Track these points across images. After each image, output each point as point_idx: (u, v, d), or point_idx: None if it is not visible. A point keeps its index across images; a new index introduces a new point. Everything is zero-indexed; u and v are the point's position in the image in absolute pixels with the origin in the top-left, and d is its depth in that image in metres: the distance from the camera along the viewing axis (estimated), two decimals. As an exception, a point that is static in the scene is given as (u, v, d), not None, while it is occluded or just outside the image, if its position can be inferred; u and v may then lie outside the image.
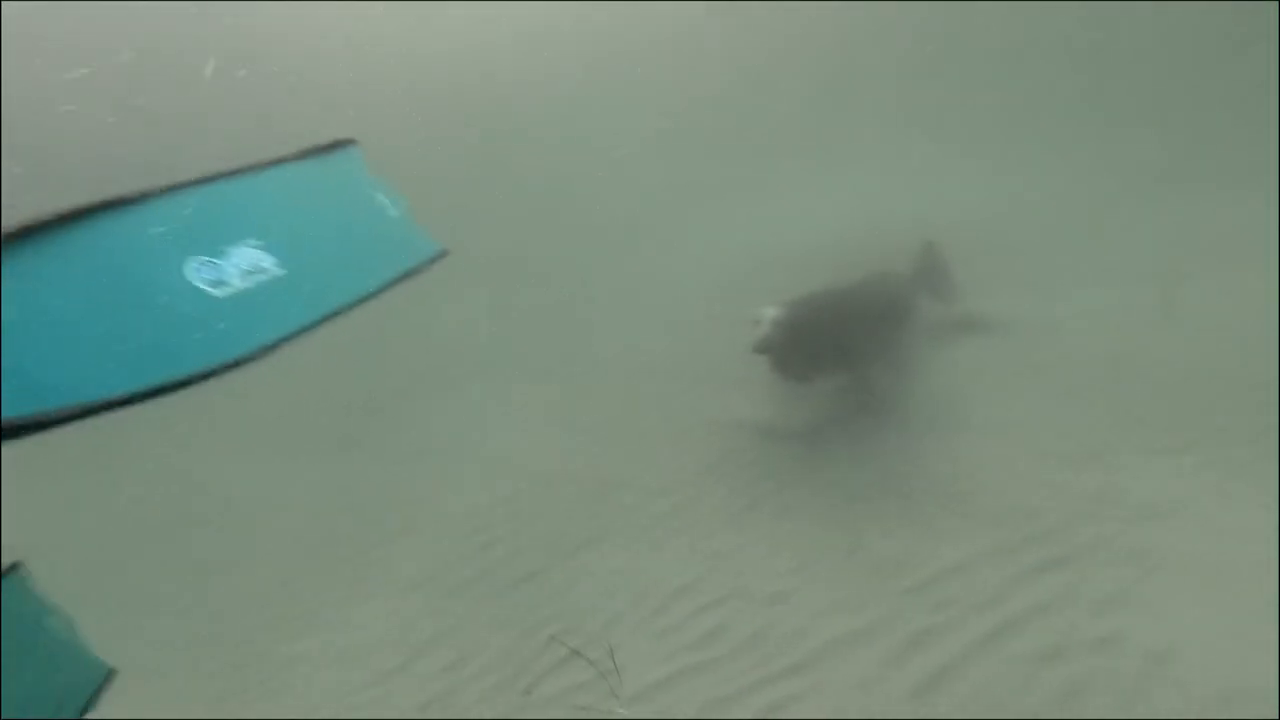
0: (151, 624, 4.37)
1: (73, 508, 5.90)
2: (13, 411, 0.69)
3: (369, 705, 3.17)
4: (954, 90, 10.61)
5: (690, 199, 9.86)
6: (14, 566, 1.13)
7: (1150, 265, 5.09)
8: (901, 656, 2.93)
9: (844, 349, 4.22)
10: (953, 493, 3.55)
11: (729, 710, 2.93)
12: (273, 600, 4.21)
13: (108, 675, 1.18)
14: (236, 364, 0.81)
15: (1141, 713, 2.37)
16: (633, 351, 6.08)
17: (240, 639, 3.93)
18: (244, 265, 0.89)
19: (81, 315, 0.76)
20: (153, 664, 3.96)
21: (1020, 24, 11.12)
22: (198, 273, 0.85)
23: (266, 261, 0.90)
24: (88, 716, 1.11)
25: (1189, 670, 2.42)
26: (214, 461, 6.02)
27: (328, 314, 0.92)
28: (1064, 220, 6.48)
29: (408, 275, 1.05)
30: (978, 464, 3.67)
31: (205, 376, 0.79)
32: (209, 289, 0.85)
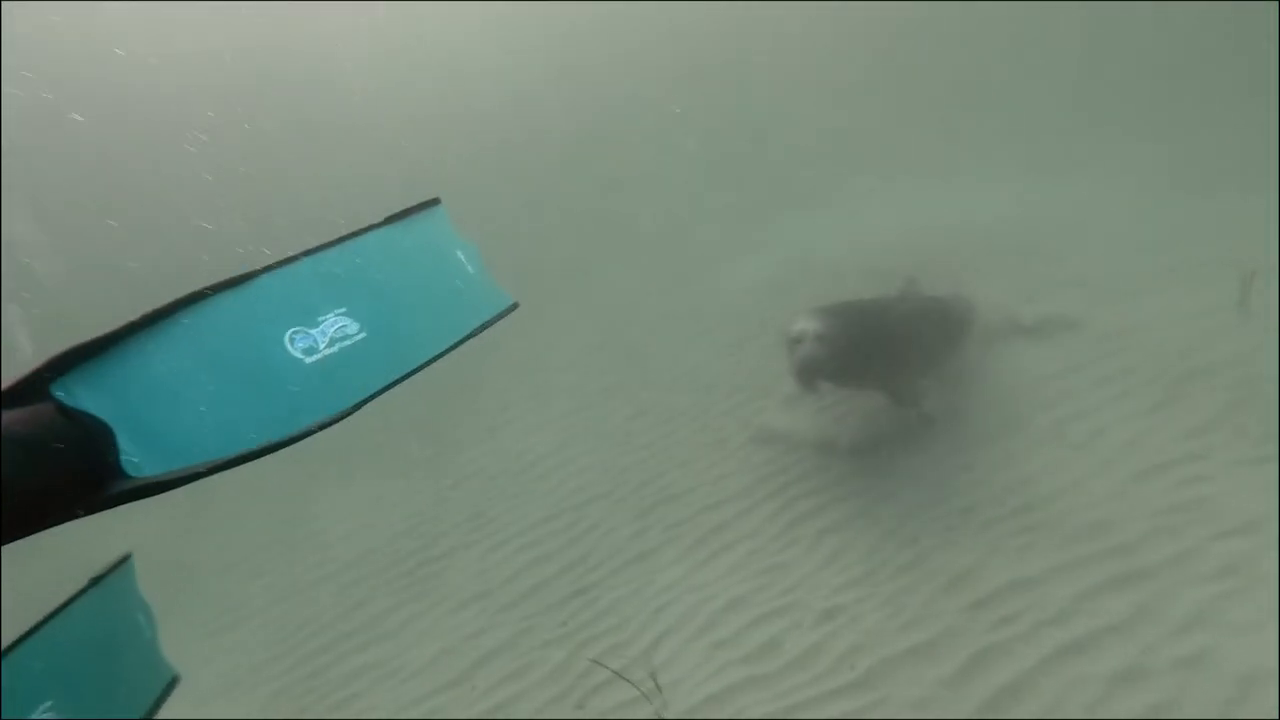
0: (228, 638, 4.68)
1: (148, 530, 6.38)
2: (145, 472, 0.78)
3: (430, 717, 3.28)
4: (992, 97, 10.33)
5: (733, 216, 9.90)
6: (125, 558, 1.26)
7: (1218, 264, 4.76)
8: (964, 675, 2.82)
9: (888, 362, 3.95)
10: (1017, 505, 3.40)
11: (783, 728, 2.88)
12: (339, 616, 4.43)
13: (173, 681, 1.25)
14: (326, 424, 0.90)
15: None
16: (680, 369, 6.12)
17: (310, 653, 4.15)
18: (331, 332, 0.98)
19: (202, 387, 0.87)
20: (230, 677, 4.23)
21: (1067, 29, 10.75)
22: (294, 343, 0.95)
23: (351, 328, 0.99)
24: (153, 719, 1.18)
25: (1285, 694, 2.24)
26: (287, 486, 6.38)
27: (409, 371, 1.01)
28: (1123, 222, 6.16)
29: (483, 328, 1.12)
30: (1044, 475, 3.50)
31: (301, 437, 0.89)
32: (303, 357, 0.94)
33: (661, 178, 11.80)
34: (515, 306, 1.20)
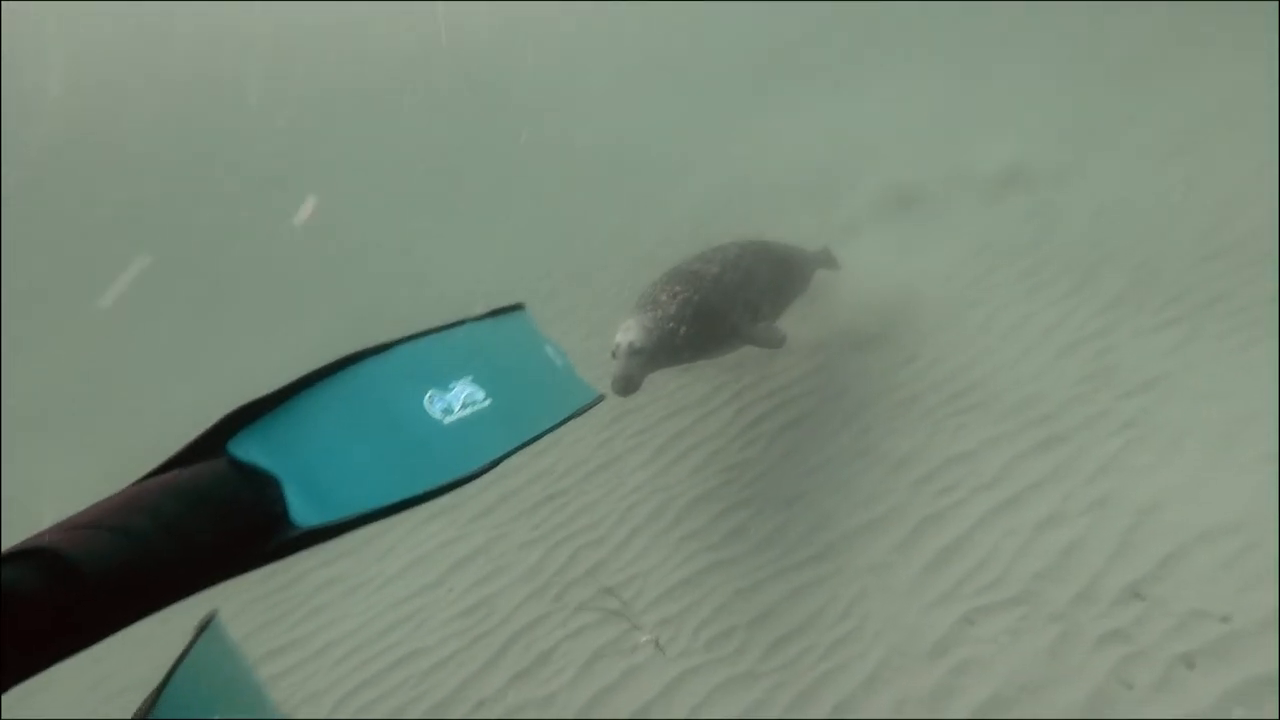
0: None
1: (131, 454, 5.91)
2: (310, 522, 0.83)
3: (410, 618, 3.31)
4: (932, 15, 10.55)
5: (680, 138, 9.81)
6: (210, 617, 1.22)
7: (1134, 147, 5.24)
8: (911, 540, 3.12)
9: (730, 323, 3.80)
10: (954, 391, 3.73)
11: (753, 598, 3.12)
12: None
13: None
14: (465, 480, 0.94)
15: (1133, 559, 2.59)
16: (627, 291, 6.14)
17: (273, 570, 4.05)
18: (463, 397, 1.04)
19: (353, 442, 0.93)
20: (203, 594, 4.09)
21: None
22: (433, 404, 1.00)
23: (479, 395, 1.05)
24: None
25: (1174, 517, 2.64)
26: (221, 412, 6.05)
27: (522, 443, 1.05)
28: (1044, 114, 6.60)
29: (573, 417, 1.18)
30: (977, 363, 3.84)
31: (439, 493, 0.93)
32: (441, 417, 1.00)
33: (608, 101, 11.50)
34: (602, 399, 1.36)
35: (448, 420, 1.01)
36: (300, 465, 0.88)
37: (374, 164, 11.85)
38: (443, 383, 1.04)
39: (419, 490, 0.91)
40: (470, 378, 1.07)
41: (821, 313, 4.71)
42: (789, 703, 2.64)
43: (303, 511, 0.84)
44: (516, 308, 1.33)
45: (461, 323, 1.19)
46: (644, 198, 8.16)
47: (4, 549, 0.74)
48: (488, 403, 1.06)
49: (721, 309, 3.78)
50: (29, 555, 0.71)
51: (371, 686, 3.01)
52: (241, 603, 3.81)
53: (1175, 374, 3.19)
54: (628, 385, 3.38)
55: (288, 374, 0.90)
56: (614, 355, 3.52)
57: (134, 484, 0.82)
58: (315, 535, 0.83)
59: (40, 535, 0.74)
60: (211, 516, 0.80)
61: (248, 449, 0.86)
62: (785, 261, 4.40)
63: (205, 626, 1.25)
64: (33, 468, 6.15)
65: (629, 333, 3.53)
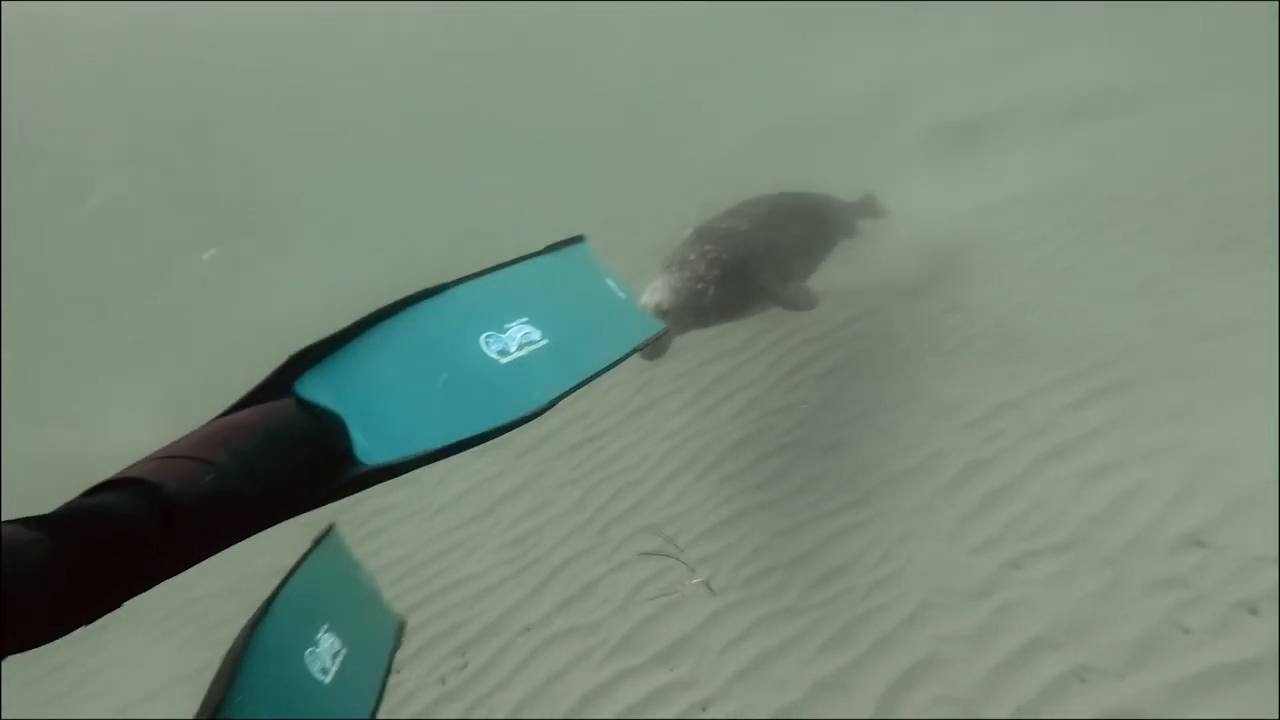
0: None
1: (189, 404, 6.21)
2: (375, 460, 0.85)
3: (460, 545, 3.46)
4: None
5: (707, 76, 9.47)
6: (329, 529, 1.27)
7: (1201, 81, 4.87)
8: (956, 485, 3.08)
9: (761, 284, 3.66)
10: (1007, 336, 3.61)
11: (793, 540, 3.15)
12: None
13: (401, 626, 1.32)
14: (520, 421, 0.95)
15: (1194, 507, 2.51)
16: (664, 235, 6.04)
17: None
18: (519, 337, 1.05)
19: (413, 383, 0.94)
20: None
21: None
22: (489, 345, 1.02)
23: (535, 335, 1.06)
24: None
25: (1241, 465, 2.54)
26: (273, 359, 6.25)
27: (581, 381, 1.06)
28: (1103, 50, 6.16)
29: (634, 351, 1.16)
30: (1031, 307, 3.70)
31: (500, 432, 0.94)
32: (497, 358, 1.01)
33: (637, 50, 11.12)
34: (665, 331, 1.32)
35: (504, 361, 1.02)
36: (364, 405, 0.89)
37: (394, 127, 11.74)
38: (499, 324, 1.05)
39: (480, 430, 0.94)
40: (526, 318, 1.08)
41: (865, 257, 4.57)
42: (829, 638, 2.68)
43: (368, 450, 0.87)
44: (576, 240, 1.31)
45: (520, 260, 1.18)
46: (677, 147, 7.95)
47: (102, 479, 0.76)
48: (545, 342, 1.08)
49: (750, 268, 3.64)
50: (125, 484, 0.74)
51: (427, 606, 3.18)
52: (298, 526, 4.01)
53: (1248, 319, 3.03)
54: (655, 348, 3.27)
55: (341, 320, 0.89)
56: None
57: (211, 421, 0.86)
58: (380, 473, 0.87)
59: (132, 467, 0.77)
60: (282, 454, 0.84)
61: (314, 389, 0.88)
62: (819, 215, 4.22)
63: (323, 537, 1.31)
64: (100, 408, 6.48)
65: (656, 294, 3.42)
